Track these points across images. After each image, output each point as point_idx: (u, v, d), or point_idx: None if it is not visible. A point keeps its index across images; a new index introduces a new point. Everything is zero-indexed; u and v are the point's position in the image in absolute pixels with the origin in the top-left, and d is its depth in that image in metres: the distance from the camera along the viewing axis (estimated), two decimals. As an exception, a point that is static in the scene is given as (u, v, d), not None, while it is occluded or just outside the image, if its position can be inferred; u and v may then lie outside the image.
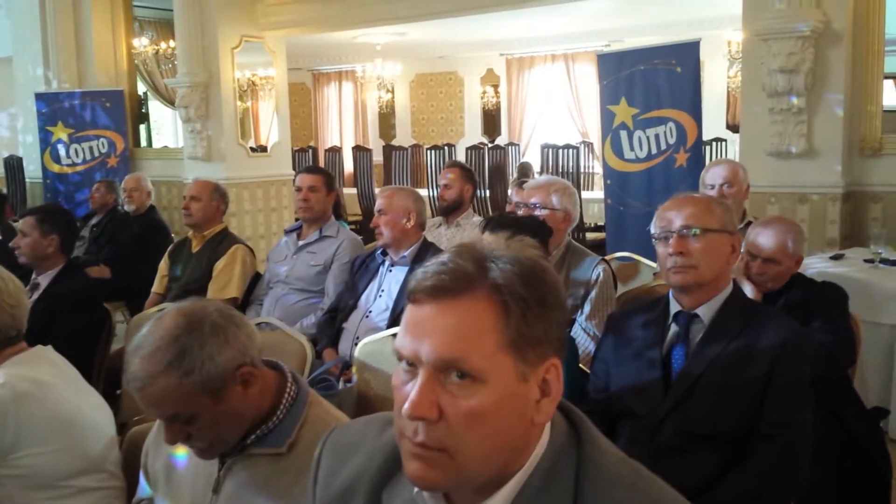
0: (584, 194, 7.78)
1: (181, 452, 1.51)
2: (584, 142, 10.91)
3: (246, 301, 3.86)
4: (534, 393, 0.94)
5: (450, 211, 4.21)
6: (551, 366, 0.94)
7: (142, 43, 8.33)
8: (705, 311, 1.94)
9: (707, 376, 1.87)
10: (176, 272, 4.00)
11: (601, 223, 6.68)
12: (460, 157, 9.85)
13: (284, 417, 1.47)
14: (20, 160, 8.40)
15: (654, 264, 3.58)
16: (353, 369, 2.77)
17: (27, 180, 8.32)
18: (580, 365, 2.39)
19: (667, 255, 1.93)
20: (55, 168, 8.04)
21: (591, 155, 10.82)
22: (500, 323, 0.91)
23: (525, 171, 8.71)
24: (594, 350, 2.33)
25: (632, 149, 5.32)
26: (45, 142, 7.97)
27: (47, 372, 1.82)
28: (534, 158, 10.53)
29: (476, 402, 0.90)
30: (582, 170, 9.00)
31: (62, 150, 7.99)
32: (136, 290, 4.34)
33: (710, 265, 1.90)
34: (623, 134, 5.35)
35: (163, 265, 4.11)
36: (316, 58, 13.00)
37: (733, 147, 8.92)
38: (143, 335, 1.37)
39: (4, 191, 8.24)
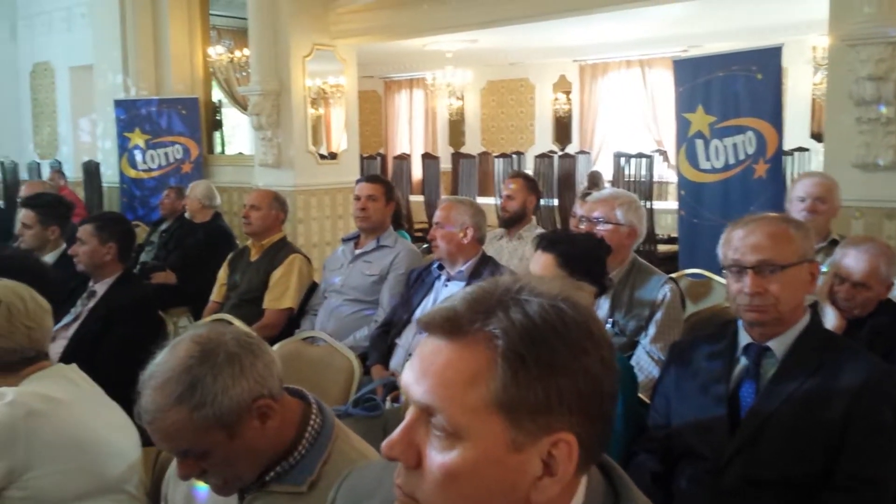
0: (658, 204, 7.52)
1: (202, 485, 1.42)
2: (658, 150, 10.59)
3: (301, 311, 3.81)
4: (532, 468, 0.81)
5: (512, 223, 4.08)
6: (561, 441, 0.80)
7: (217, 51, 8.47)
8: (778, 345, 1.76)
9: (778, 416, 1.69)
10: (234, 281, 3.99)
11: (674, 234, 6.43)
12: (529, 165, 9.70)
13: (307, 453, 1.37)
14: (98, 165, 8.65)
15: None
16: (402, 389, 2.67)
17: (104, 185, 8.55)
18: (639, 395, 2.23)
19: (740, 290, 1.75)
20: (131, 173, 8.24)
21: (665, 164, 10.50)
22: (487, 378, 0.79)
23: (595, 180, 8.49)
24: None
25: (708, 159, 5.08)
26: (123, 147, 8.18)
27: (63, 390, 1.77)
28: (605, 167, 10.28)
29: (449, 460, 0.80)
30: (655, 179, 8.71)
31: (139, 156, 8.19)
32: (200, 297, 4.36)
33: (788, 301, 1.73)
34: (699, 143, 5.12)
35: (222, 273, 4.11)
36: (387, 65, 13.05)
37: (817, 157, 8.50)
38: (156, 364, 1.30)
39: (82, 195, 8.54)
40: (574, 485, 0.86)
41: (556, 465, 0.81)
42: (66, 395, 1.75)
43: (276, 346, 2.88)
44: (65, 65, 10.02)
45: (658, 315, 2.75)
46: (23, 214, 3.74)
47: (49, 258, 3.63)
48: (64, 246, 3.64)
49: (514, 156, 9.67)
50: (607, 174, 9.24)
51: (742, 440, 1.71)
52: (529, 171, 8.43)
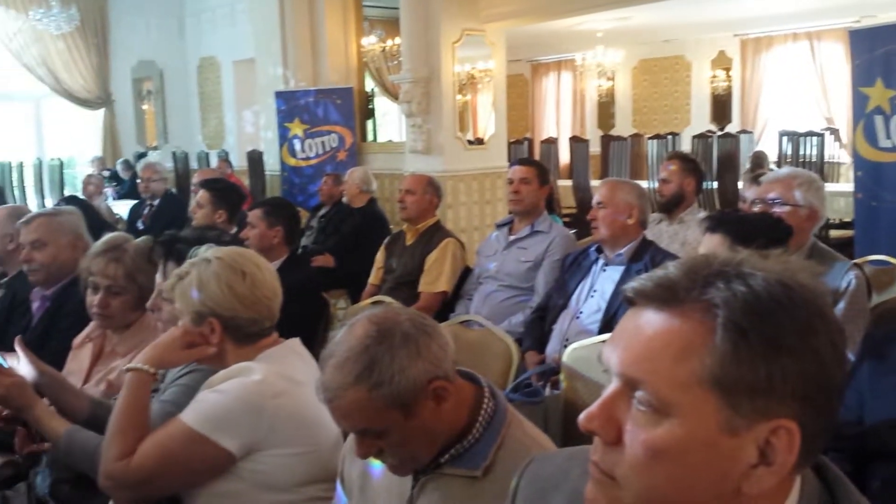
0: (829, 186, 6.95)
1: (377, 462, 1.43)
2: (828, 128, 9.85)
3: (456, 295, 3.83)
4: (747, 455, 0.73)
5: (669, 207, 3.90)
6: (781, 429, 0.72)
7: (370, 41, 8.68)
8: None
9: None
10: (391, 264, 4.07)
11: (848, 219, 5.95)
12: (685, 146, 9.28)
13: (481, 437, 1.35)
14: (261, 154, 9.11)
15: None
16: (561, 375, 2.61)
17: (267, 173, 8.99)
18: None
19: None
20: (291, 161, 8.62)
21: (837, 143, 9.75)
22: (702, 351, 0.72)
23: (759, 161, 8.01)
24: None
25: (888, 136, 4.66)
26: (283, 137, 8.57)
27: (299, 370, 1.75)
28: (768, 147, 9.68)
29: (654, 436, 0.74)
30: (826, 159, 8.11)
31: (297, 145, 8.55)
32: (357, 279, 4.48)
33: None
34: (878, 119, 4.70)
35: (379, 257, 4.20)
36: (535, 48, 12.90)
37: None
38: (335, 343, 1.31)
39: (247, 182, 9.02)
40: (789, 482, 0.78)
41: (775, 454, 0.73)
42: (303, 375, 1.72)
43: (436, 327, 2.89)
44: (229, 59, 10.61)
45: (841, 304, 2.53)
46: (199, 195, 3.98)
47: (215, 241, 3.85)
48: (234, 230, 3.84)
49: (668, 137, 9.28)
50: (771, 154, 8.69)
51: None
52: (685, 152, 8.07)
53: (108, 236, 2.34)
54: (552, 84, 13.85)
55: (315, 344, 3.30)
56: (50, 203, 9.37)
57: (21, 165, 9.96)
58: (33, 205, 9.37)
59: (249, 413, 1.64)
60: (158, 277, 2.01)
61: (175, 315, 1.87)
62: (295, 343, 1.86)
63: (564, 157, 10.93)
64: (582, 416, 0.79)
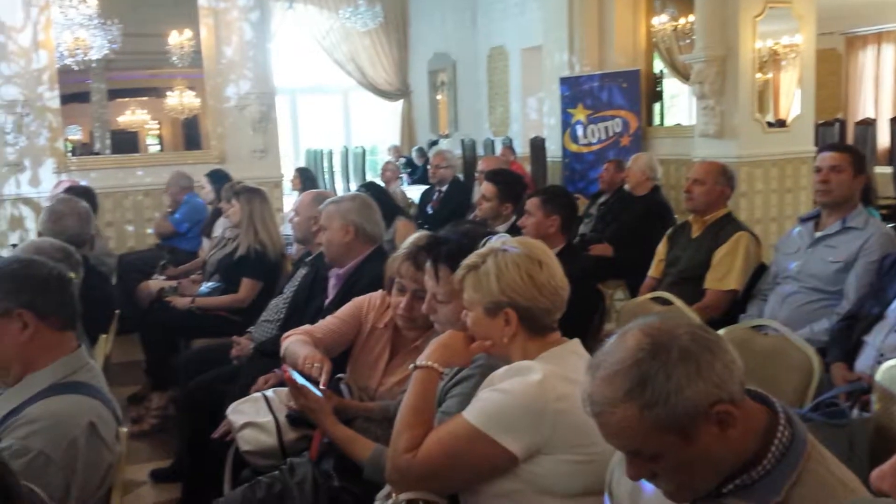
0: None
1: (651, 481, 1.29)
2: None
3: (747, 294, 3.49)
4: None
5: None
6: None
7: (661, 20, 8.32)
8: None
9: None
10: (673, 257, 3.82)
11: None
12: None
13: (772, 469, 1.16)
14: (543, 141, 9.16)
15: None
16: (873, 396, 2.25)
17: (548, 159, 9.02)
18: None
19: None
20: (573, 147, 8.56)
21: None
22: None
23: None
24: None
25: None
26: (566, 123, 8.53)
27: (580, 372, 1.69)
28: None
29: None
30: None
31: (580, 131, 8.47)
32: (636, 271, 4.29)
33: None
34: None
35: (660, 249, 3.97)
36: (851, 19, 11.51)
37: None
38: (604, 353, 1.19)
39: (529, 169, 9.12)
40: None
41: None
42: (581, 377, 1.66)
43: (723, 331, 2.64)
44: (517, 47, 10.82)
45: None
46: (484, 187, 4.04)
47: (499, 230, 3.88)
48: (513, 219, 3.85)
49: None
50: None
51: None
52: None
53: (414, 237, 2.31)
54: (870, 58, 12.28)
55: (588, 337, 3.20)
56: (353, 187, 10.28)
57: (331, 153, 11.04)
58: (340, 189, 10.34)
59: (531, 414, 1.59)
60: (430, 282, 2.01)
61: (450, 317, 1.87)
62: (576, 345, 1.78)
63: (884, 140, 9.62)
64: (874, 474, 0.70)
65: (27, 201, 6.33)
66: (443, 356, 1.76)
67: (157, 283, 4.70)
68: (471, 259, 1.76)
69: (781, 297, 3.20)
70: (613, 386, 1.15)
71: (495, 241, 1.79)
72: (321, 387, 2.14)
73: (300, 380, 2.10)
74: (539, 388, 1.59)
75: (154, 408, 4.16)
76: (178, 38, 6.95)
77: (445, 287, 1.93)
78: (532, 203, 3.27)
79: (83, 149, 7.34)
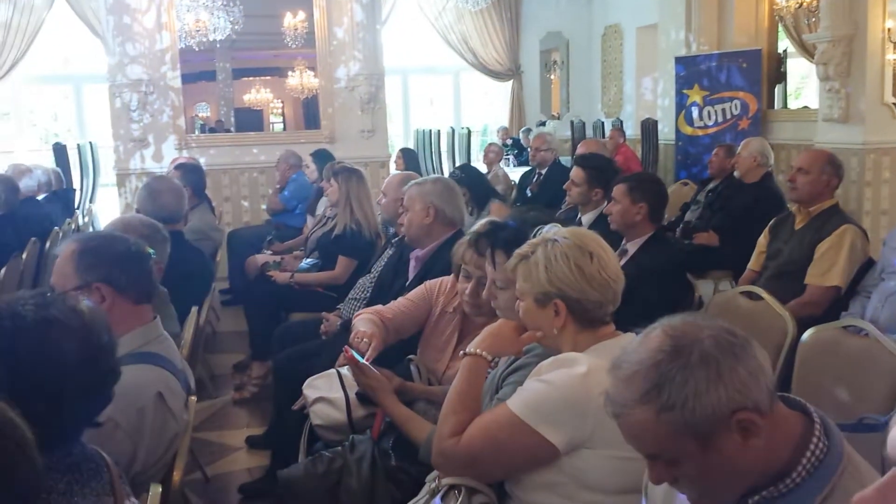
0: None
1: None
2: None
3: (851, 291, 3.29)
4: None
5: None
6: None
7: (787, -3, 7.87)
8: None
9: None
10: (775, 249, 3.64)
11: None
12: None
13: (802, 482, 1.10)
14: (655, 123, 8.87)
15: None
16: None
17: (660, 142, 8.74)
18: None
19: None
20: (687, 130, 8.26)
21: None
22: None
23: None
24: None
25: None
26: (681, 105, 8.24)
27: None
28: None
29: None
30: None
31: (695, 113, 8.16)
32: (743, 262, 4.10)
33: None
34: None
35: (762, 240, 3.79)
36: None
37: None
38: (627, 352, 1.16)
39: (639, 152, 8.86)
40: None
41: None
42: None
43: (811, 330, 2.51)
44: (632, 25, 10.50)
45: None
46: (573, 171, 3.97)
47: (587, 218, 3.81)
48: (603, 205, 3.76)
49: None
50: None
51: None
52: None
53: (478, 224, 2.31)
54: None
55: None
56: (447, 169, 10.31)
57: (438, 133, 11.11)
58: (446, 170, 10.40)
59: (573, 408, 1.58)
60: (489, 268, 2.01)
61: (510, 303, 1.87)
62: (629, 339, 1.71)
63: None
64: (855, 499, 0.66)
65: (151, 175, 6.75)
66: (492, 345, 1.78)
67: (262, 257, 4.91)
68: (522, 249, 1.77)
69: (885, 295, 3.00)
70: (631, 387, 1.12)
71: (548, 231, 1.78)
72: (364, 361, 2.18)
73: (361, 359, 2.16)
74: (583, 382, 1.58)
75: (255, 377, 4.33)
76: (291, 20, 7.16)
77: (502, 274, 1.93)
78: (618, 190, 3.19)
79: (217, 126, 7.71)
